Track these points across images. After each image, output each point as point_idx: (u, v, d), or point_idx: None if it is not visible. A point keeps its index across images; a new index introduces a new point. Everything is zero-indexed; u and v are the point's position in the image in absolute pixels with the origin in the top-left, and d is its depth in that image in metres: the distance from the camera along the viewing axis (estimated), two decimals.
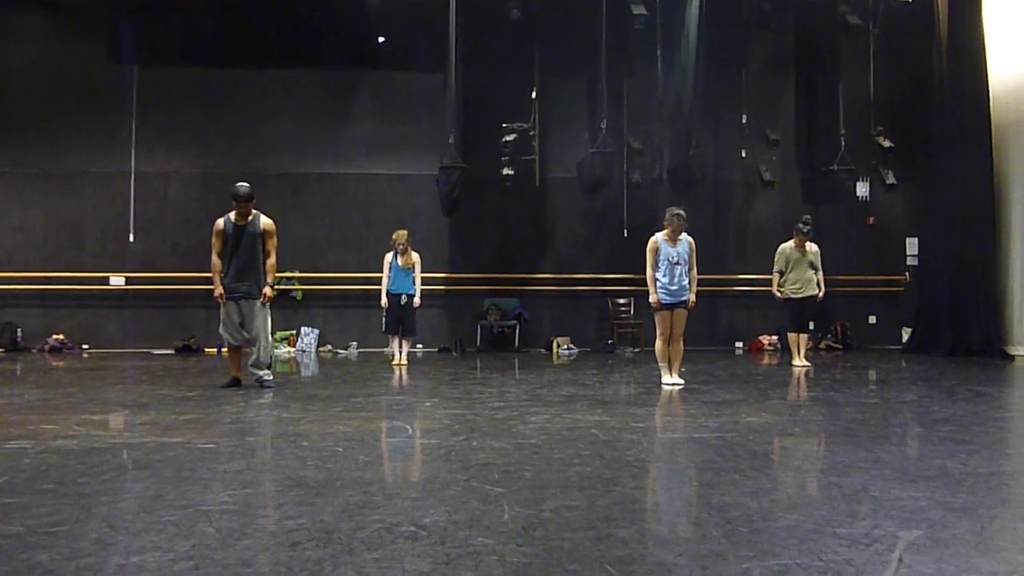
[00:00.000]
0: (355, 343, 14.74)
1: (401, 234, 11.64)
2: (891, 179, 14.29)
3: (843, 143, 13.99)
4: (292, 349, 14.52)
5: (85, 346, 14.38)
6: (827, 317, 14.72)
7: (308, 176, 15.08)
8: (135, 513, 3.55)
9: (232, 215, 8.34)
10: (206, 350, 14.08)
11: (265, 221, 8.40)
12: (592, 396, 7.95)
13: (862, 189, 14.60)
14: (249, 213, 8.33)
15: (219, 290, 8.34)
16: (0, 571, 2.80)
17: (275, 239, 8.46)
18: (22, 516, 3.45)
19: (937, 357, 13.17)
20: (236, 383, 8.44)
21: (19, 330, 14.28)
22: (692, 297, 8.89)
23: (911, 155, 14.72)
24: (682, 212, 8.83)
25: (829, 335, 15.26)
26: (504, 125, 13.83)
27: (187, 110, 14.97)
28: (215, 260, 8.38)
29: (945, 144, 13.84)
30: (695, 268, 8.94)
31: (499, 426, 5.95)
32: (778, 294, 11.61)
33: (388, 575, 2.75)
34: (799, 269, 11.47)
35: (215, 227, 8.40)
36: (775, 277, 11.63)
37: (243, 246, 8.29)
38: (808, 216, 11.96)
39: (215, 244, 8.38)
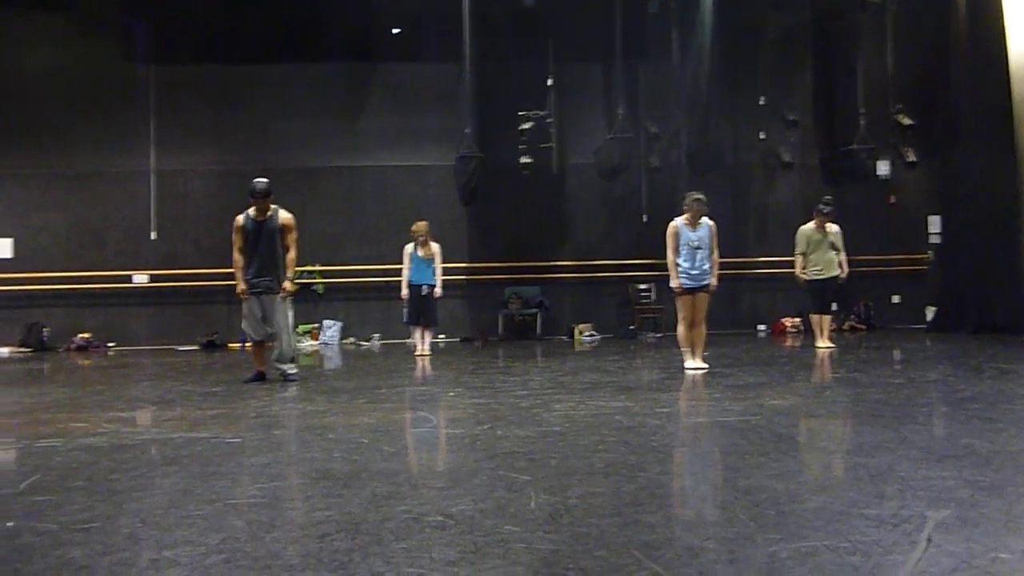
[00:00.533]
0: (378, 335, 14.79)
1: (421, 226, 11.66)
2: (912, 157, 14.14)
3: (862, 122, 13.86)
4: (315, 342, 14.60)
5: (111, 344, 14.51)
6: (850, 297, 14.61)
7: (325, 170, 15.12)
8: (165, 508, 3.59)
9: (251, 211, 8.37)
10: (230, 346, 14.18)
11: (284, 216, 8.43)
12: (615, 382, 7.94)
13: (883, 168, 14.45)
14: (268, 209, 8.37)
15: (242, 286, 8.38)
16: (35, 568, 2.84)
17: (295, 233, 8.49)
18: (55, 513, 3.50)
19: (962, 335, 13.05)
20: (261, 377, 8.50)
21: (45, 330, 14.43)
22: (714, 281, 8.87)
23: (932, 132, 14.55)
24: (702, 197, 8.79)
25: (852, 315, 15.16)
26: (520, 113, 13.79)
27: (204, 107, 15.05)
28: (237, 257, 8.43)
29: (966, 120, 13.68)
30: (716, 252, 8.91)
31: (523, 414, 5.96)
32: (802, 276, 11.48)
33: (417, 565, 2.77)
34: (820, 250, 11.37)
35: (235, 224, 8.44)
36: (798, 259, 11.51)
37: (263, 242, 8.32)
38: (829, 197, 11.86)
39: (236, 241, 8.42)
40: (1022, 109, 13.58)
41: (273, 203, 8.43)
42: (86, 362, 12.22)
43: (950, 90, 14.03)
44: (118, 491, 3.89)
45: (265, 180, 8.39)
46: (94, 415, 6.38)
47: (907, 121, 14.10)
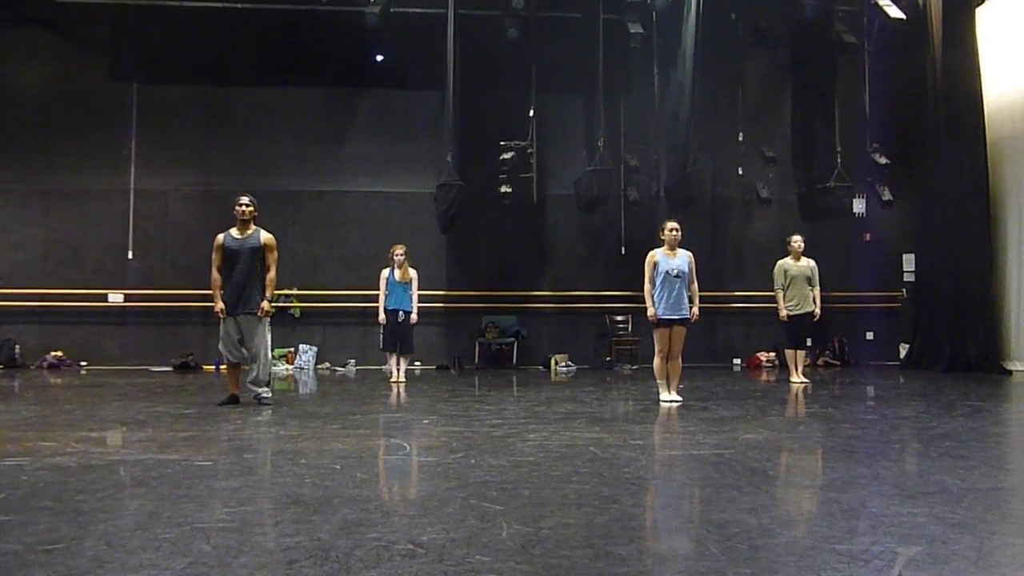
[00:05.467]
0: (353, 360, 14.72)
1: (399, 247, 11.64)
2: (887, 195, 14.32)
3: (839, 160, 14.04)
4: (290, 366, 14.50)
5: (83, 363, 14.35)
6: (825, 333, 14.72)
7: (307, 194, 15.10)
8: (132, 531, 3.54)
9: (233, 230, 8.36)
10: (204, 367, 14.06)
11: (265, 236, 8.41)
12: (590, 413, 7.93)
13: (859, 206, 14.64)
14: (249, 228, 8.35)
15: (219, 305, 8.32)
16: None
17: (275, 254, 8.45)
18: (19, 533, 3.44)
19: (935, 372, 13.19)
20: (234, 400, 8.43)
21: (17, 347, 14.25)
22: (696, 311, 8.90)
23: (907, 171, 14.77)
24: (676, 224, 8.86)
25: (827, 351, 15.26)
26: (502, 143, 13.87)
27: (187, 128, 15.02)
28: (215, 275, 8.38)
29: (941, 160, 13.91)
30: (696, 283, 8.95)
31: (497, 444, 5.94)
32: (784, 312, 11.50)
33: None
34: (796, 285, 11.46)
35: (215, 242, 8.41)
36: (779, 295, 11.55)
37: (243, 261, 8.28)
38: (796, 236, 11.83)
39: (215, 259, 8.38)
40: (996, 149, 13.84)
41: (256, 223, 8.43)
42: (57, 381, 12.06)
43: (925, 130, 14.26)
44: (85, 512, 3.83)
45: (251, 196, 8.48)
46: (63, 434, 6.30)
47: (883, 160, 14.29)
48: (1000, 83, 13.88)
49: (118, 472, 4.87)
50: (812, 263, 11.58)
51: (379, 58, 15.00)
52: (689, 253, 8.94)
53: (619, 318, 15.02)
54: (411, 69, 14.73)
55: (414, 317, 11.63)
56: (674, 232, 8.83)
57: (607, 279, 15.16)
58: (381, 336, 11.83)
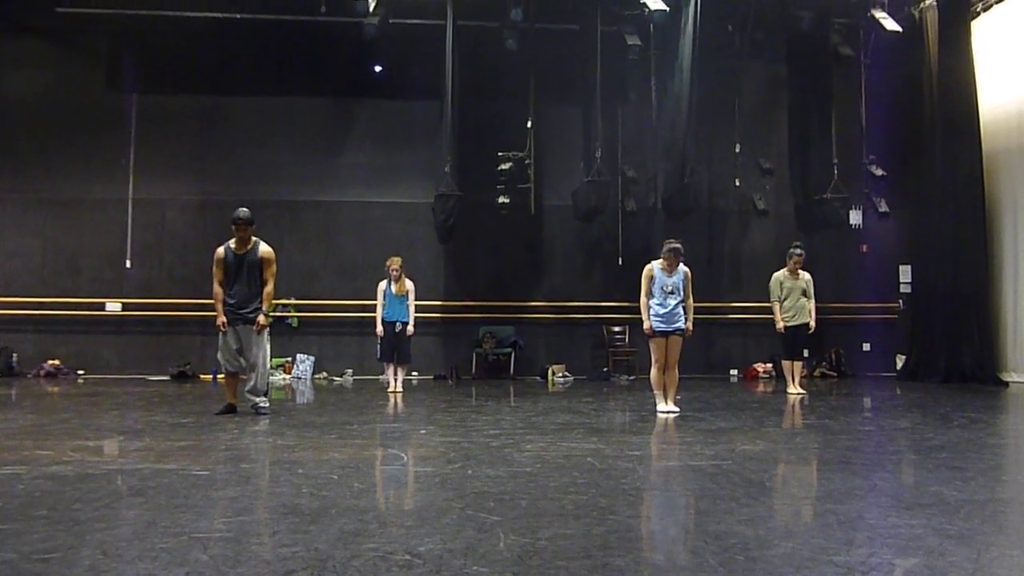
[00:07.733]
0: (351, 370, 14.71)
1: (395, 260, 11.66)
2: (884, 207, 14.38)
3: (836, 171, 14.09)
4: (288, 376, 14.49)
5: (80, 372, 14.33)
6: (821, 344, 14.73)
7: (304, 204, 15.11)
8: (129, 540, 3.53)
9: (232, 243, 8.37)
10: (202, 376, 14.04)
11: (264, 249, 8.43)
12: (587, 424, 7.93)
13: (855, 217, 14.69)
14: (249, 241, 8.37)
15: (221, 319, 8.33)
16: None
17: (273, 267, 8.47)
18: (15, 543, 3.43)
19: (931, 384, 13.21)
20: (231, 410, 8.41)
21: (14, 355, 14.24)
22: (690, 326, 8.90)
23: (903, 183, 14.82)
24: (679, 247, 8.82)
25: (824, 362, 15.27)
26: (500, 153, 13.91)
27: (185, 137, 15.04)
28: (217, 289, 8.39)
29: (937, 171, 13.95)
30: (691, 297, 8.95)
31: (494, 454, 5.93)
32: (780, 324, 11.47)
33: None
34: (792, 296, 11.45)
35: (216, 255, 8.43)
36: (776, 307, 11.52)
37: (243, 274, 8.31)
38: (799, 242, 11.85)
39: (216, 273, 8.40)
40: (991, 161, 13.88)
41: (255, 235, 8.45)
42: (54, 389, 12.04)
43: (922, 142, 14.31)
44: (81, 521, 3.82)
45: (248, 209, 8.46)
46: (60, 443, 6.28)
47: (880, 171, 14.36)
48: (996, 94, 13.93)
49: (115, 481, 4.86)
50: (807, 276, 11.53)
51: (377, 69, 15.05)
52: (686, 268, 8.94)
53: (616, 329, 15.02)
54: (409, 80, 14.77)
55: (411, 329, 11.64)
56: (673, 255, 8.78)
57: (604, 290, 15.17)
58: (378, 346, 11.84)
